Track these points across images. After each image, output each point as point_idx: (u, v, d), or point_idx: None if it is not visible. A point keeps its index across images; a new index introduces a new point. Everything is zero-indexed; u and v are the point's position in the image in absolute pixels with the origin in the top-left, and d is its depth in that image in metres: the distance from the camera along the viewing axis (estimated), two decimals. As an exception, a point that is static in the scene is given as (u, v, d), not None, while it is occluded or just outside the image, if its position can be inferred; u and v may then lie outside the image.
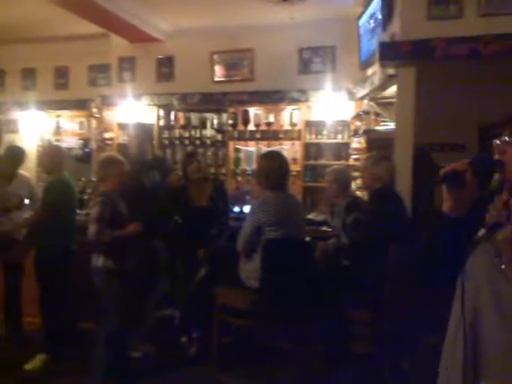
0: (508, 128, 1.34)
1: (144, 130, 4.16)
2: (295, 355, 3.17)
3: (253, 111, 6.33)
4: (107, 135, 6.77)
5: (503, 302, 1.25)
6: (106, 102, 6.67)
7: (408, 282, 2.88)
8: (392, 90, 4.26)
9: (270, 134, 6.23)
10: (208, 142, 6.49)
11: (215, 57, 6.42)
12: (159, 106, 6.60)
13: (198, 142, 6.50)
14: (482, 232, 1.30)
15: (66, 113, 7.25)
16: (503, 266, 1.25)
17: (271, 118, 6.24)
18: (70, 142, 7.15)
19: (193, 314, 3.66)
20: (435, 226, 1.44)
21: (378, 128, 5.01)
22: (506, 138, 1.32)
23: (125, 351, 3.19)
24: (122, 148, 6.19)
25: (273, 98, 6.09)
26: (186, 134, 6.55)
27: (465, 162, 1.32)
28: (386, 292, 3.04)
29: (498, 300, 1.25)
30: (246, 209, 4.10)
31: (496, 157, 1.32)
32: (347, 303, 3.13)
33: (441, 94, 4.14)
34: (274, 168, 3.17)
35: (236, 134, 6.34)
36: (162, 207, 3.70)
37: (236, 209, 4.98)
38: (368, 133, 5.10)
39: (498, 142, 1.34)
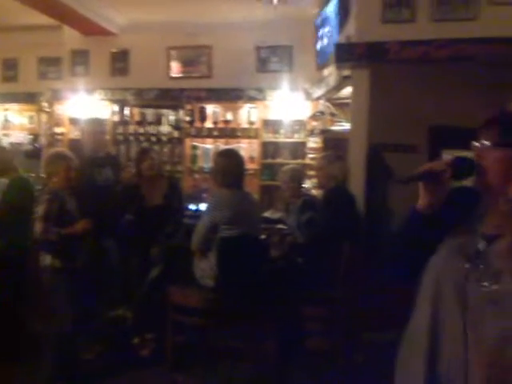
0: (486, 132, 1.34)
1: (97, 126, 4.05)
2: (250, 354, 3.17)
3: (210, 108, 6.29)
4: (58, 130, 6.56)
5: (468, 303, 1.25)
6: (56, 96, 6.46)
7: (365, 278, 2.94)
8: (347, 90, 4.33)
9: (228, 131, 6.21)
10: (164, 138, 6.40)
11: (172, 52, 6.34)
12: (113, 101, 6.45)
13: (153, 139, 6.41)
14: (482, 244, 1.28)
15: (14, 106, 6.98)
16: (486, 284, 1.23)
17: (229, 116, 6.23)
18: (19, 136, 6.89)
19: (146, 314, 3.60)
20: (408, 223, 1.45)
21: (333, 128, 5.09)
22: (485, 143, 1.32)
23: (74, 352, 3.10)
24: (73, 144, 6.02)
25: (230, 96, 6.08)
26: (141, 131, 6.44)
27: (444, 162, 1.33)
28: (338, 289, 3.09)
29: (462, 299, 1.26)
30: (203, 207, 4.06)
31: (476, 160, 1.32)
32: (302, 301, 3.16)
33: (394, 96, 4.23)
34: (230, 166, 3.16)
35: (193, 131, 6.28)
36: (114, 205, 3.62)
37: (192, 207, 4.93)
38: (324, 133, 5.17)
39: (477, 145, 1.34)
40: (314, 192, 4.55)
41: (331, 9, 4.58)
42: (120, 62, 6.47)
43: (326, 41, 4.85)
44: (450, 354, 1.28)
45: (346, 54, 3.88)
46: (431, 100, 4.16)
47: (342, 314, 3.09)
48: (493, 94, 4.12)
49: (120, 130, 6.49)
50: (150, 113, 6.44)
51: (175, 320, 3.22)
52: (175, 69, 6.37)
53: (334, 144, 4.85)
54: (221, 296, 2.99)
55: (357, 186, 3.83)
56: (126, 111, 6.49)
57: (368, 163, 3.89)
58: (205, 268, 3.12)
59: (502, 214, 1.28)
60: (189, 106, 6.27)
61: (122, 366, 3.42)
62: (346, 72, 4.12)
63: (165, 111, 6.39)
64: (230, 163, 3.17)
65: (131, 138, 6.46)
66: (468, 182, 1.37)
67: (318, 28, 5.14)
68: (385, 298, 2.72)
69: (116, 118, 6.51)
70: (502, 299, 1.18)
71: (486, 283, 1.22)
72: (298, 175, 3.98)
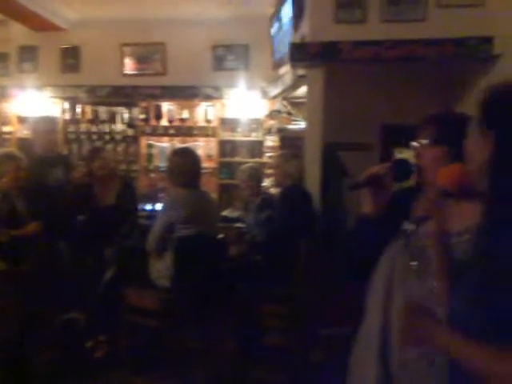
0: (424, 131, 1.39)
1: (48, 124, 3.91)
2: (208, 353, 3.15)
3: (166, 106, 6.20)
4: (5, 129, 6.30)
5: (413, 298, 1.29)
6: (3, 94, 6.20)
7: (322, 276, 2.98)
8: (303, 89, 4.37)
9: (184, 129, 6.14)
10: (118, 137, 6.26)
11: (125, 49, 6.21)
12: (64, 99, 6.26)
13: (107, 137, 6.25)
14: (411, 226, 1.34)
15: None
16: (414, 263, 1.30)
17: (185, 114, 6.16)
18: (-37, 135, 6.54)
19: (99, 317, 3.51)
20: (356, 228, 1.48)
21: (290, 127, 5.13)
22: (423, 142, 1.37)
23: (22, 358, 2.99)
24: (22, 143, 5.80)
25: (186, 94, 6.02)
26: (94, 129, 6.27)
27: (385, 166, 1.37)
28: (296, 286, 3.11)
29: (408, 299, 1.29)
30: (159, 207, 3.99)
31: (414, 160, 1.38)
32: (260, 298, 3.17)
33: (348, 95, 4.31)
34: (186, 165, 3.12)
35: (148, 130, 6.18)
36: (66, 205, 3.50)
37: (148, 207, 4.85)
38: (281, 131, 5.21)
39: (415, 144, 1.40)
40: (272, 190, 4.57)
41: (286, 8, 4.61)
42: (71, 58, 6.27)
43: (281, 40, 4.88)
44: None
45: (300, 53, 3.91)
46: (384, 99, 4.27)
47: (300, 310, 3.12)
48: (443, 94, 4.28)
49: (71, 128, 6.30)
50: (102, 111, 6.27)
51: (130, 321, 3.16)
52: (129, 66, 6.24)
53: (290, 142, 4.90)
54: (176, 296, 2.96)
55: (313, 184, 3.88)
56: (78, 109, 6.30)
57: (323, 162, 3.94)
58: (160, 269, 3.07)
59: (430, 199, 1.34)
60: (143, 104, 6.16)
61: (76, 370, 3.32)
62: (302, 71, 4.16)
63: (118, 109, 6.25)
64: (185, 162, 3.14)
65: (83, 136, 6.29)
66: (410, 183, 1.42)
67: (273, 27, 5.17)
68: (341, 294, 2.76)
69: (67, 116, 6.31)
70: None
71: (414, 262, 1.29)
72: (257, 174, 3.99)
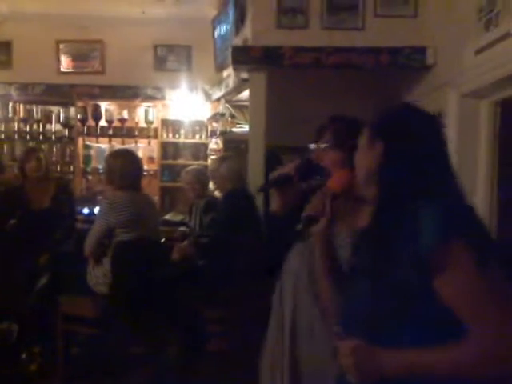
0: (323, 134, 1.50)
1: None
2: (150, 360, 3.09)
3: (104, 106, 6.01)
4: None
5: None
6: None
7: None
8: (246, 93, 4.39)
9: (124, 131, 5.98)
10: (53, 137, 6.00)
11: (61, 46, 5.97)
12: (-6, 96, 5.92)
13: (41, 138, 5.97)
14: (299, 226, 1.40)
15: None
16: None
17: (125, 115, 5.99)
18: None
19: (33, 327, 3.34)
20: (266, 226, 1.58)
21: (234, 130, 5.13)
22: (321, 145, 1.48)
23: None
24: None
25: (126, 94, 5.87)
26: (27, 129, 5.97)
27: (292, 165, 1.44)
28: (237, 290, 3.11)
29: (315, 299, 1.35)
30: (97, 210, 3.87)
31: (315, 160, 1.49)
32: (202, 303, 3.14)
33: (290, 100, 4.37)
34: (126, 167, 3.04)
35: (85, 130, 5.96)
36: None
37: (85, 210, 4.69)
38: (224, 134, 5.20)
39: (312, 147, 1.49)
40: (217, 194, 4.56)
41: (229, 11, 4.61)
42: (2, 53, 5.94)
43: (223, 43, 4.88)
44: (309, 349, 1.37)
45: (242, 56, 3.92)
46: (324, 104, 4.36)
47: (240, 314, 3.12)
48: (380, 100, 4.44)
49: (2, 127, 5.96)
50: (37, 109, 5.98)
51: (67, 331, 3.04)
52: (65, 63, 6.00)
53: (234, 146, 4.90)
54: (115, 303, 2.87)
55: (257, 186, 3.89)
56: (9, 107, 5.98)
57: (266, 165, 3.97)
58: (99, 275, 2.98)
59: (319, 200, 1.42)
60: (80, 103, 5.93)
61: (10, 383, 3.15)
62: (244, 75, 4.17)
63: (54, 108, 6.00)
64: (126, 164, 3.06)
65: (16, 136, 5.97)
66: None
67: (216, 29, 5.15)
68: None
69: (-2, 115, 5.98)
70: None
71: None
72: (202, 176, 3.96)
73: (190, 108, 5.93)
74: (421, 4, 3.82)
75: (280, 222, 1.49)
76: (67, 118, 5.98)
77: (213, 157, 5.56)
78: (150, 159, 5.96)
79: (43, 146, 5.77)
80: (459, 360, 0.98)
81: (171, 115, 6.08)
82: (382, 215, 1.09)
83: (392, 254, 1.04)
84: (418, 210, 1.03)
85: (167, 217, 4.79)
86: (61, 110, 5.98)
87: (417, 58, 3.77)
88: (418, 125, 1.15)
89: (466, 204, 1.11)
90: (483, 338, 0.96)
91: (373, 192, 1.13)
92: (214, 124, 5.65)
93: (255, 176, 3.93)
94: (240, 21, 4.32)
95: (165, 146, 6.08)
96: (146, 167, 5.11)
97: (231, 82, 4.71)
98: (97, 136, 6.01)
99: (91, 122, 5.96)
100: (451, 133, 3.10)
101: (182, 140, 6.07)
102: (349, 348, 1.02)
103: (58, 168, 5.84)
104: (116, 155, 3.19)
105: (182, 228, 4.29)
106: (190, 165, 4.78)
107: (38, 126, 5.97)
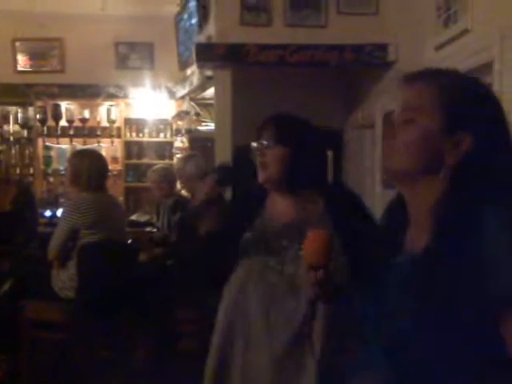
0: (265, 132, 1.53)
1: None
2: (120, 363, 3.04)
3: (64, 106, 5.85)
4: None
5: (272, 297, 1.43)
6: None
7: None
8: (211, 91, 4.36)
9: (86, 130, 5.83)
10: (11, 138, 5.78)
11: (18, 44, 5.77)
12: None
13: (-2, 139, 5.77)
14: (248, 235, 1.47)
15: None
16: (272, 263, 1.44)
17: (86, 114, 5.85)
18: None
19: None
20: (205, 247, 1.64)
21: (199, 128, 5.10)
22: (264, 142, 1.51)
23: None
24: None
25: (87, 93, 5.74)
26: (-17, 130, 5.75)
27: (209, 183, 1.52)
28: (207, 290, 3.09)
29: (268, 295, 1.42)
30: (60, 212, 3.77)
31: (258, 159, 1.53)
32: (172, 303, 3.11)
33: (256, 98, 4.37)
34: (94, 168, 2.98)
35: (45, 131, 5.79)
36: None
37: (48, 213, 4.56)
38: (189, 132, 5.16)
39: (255, 145, 1.54)
40: (185, 193, 4.51)
41: (191, 7, 4.57)
42: (-47, 51, 5.70)
43: (187, 40, 4.83)
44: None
45: (206, 54, 3.89)
46: (290, 102, 4.38)
47: (211, 313, 3.11)
48: (347, 98, 4.51)
49: (-44, 128, 5.74)
50: (-7, 110, 5.78)
51: (32, 337, 2.95)
52: (22, 62, 5.81)
53: (200, 144, 4.87)
54: (82, 307, 2.81)
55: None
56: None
57: (234, 164, 3.95)
58: (64, 279, 2.90)
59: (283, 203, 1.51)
60: (39, 103, 5.75)
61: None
62: (209, 72, 4.14)
63: (11, 108, 5.79)
64: (91, 165, 2.98)
65: (-29, 138, 5.76)
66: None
67: (178, 26, 5.09)
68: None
69: (-50, 116, 5.74)
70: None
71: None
72: (169, 175, 3.91)
73: (153, 106, 5.85)
74: (382, 2, 3.89)
75: (218, 239, 1.54)
76: (26, 118, 5.79)
77: (178, 155, 5.51)
78: (114, 159, 5.84)
79: (1, 148, 5.60)
80: None
81: (134, 114, 5.98)
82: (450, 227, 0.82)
83: (452, 283, 0.79)
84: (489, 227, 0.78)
85: (133, 217, 4.72)
86: (19, 110, 5.79)
87: (379, 55, 3.84)
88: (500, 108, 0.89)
89: None
90: None
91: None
92: (179, 122, 5.60)
93: (222, 174, 3.92)
94: (203, 18, 4.29)
95: (128, 146, 5.98)
96: (109, 167, 5.00)
97: (195, 80, 4.67)
98: (57, 136, 5.84)
99: (51, 122, 5.79)
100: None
101: (146, 139, 5.99)
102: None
103: (18, 170, 5.64)
104: (81, 156, 3.11)
105: (149, 229, 4.23)
106: (154, 164, 4.72)
107: (-5, 128, 5.77)
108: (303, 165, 1.46)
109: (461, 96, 0.87)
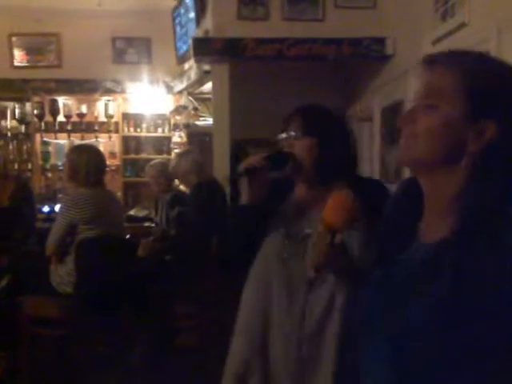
0: (292, 123, 1.50)
1: None
2: (119, 359, 3.05)
3: (62, 101, 5.83)
4: None
5: (292, 286, 1.41)
6: None
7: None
8: (209, 85, 4.35)
9: (84, 125, 5.82)
10: (9, 134, 5.78)
11: (14, 39, 5.74)
12: None
13: (-4, 135, 5.76)
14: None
15: None
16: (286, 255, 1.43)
17: (84, 109, 5.83)
18: None
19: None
20: (234, 217, 1.57)
21: (197, 123, 5.09)
22: (292, 133, 1.48)
23: None
24: None
25: (84, 88, 5.72)
26: (-19, 126, 5.74)
27: (262, 155, 1.45)
28: (208, 284, 3.10)
29: (288, 284, 1.38)
30: (58, 208, 3.77)
31: (286, 150, 1.49)
32: (170, 299, 3.11)
33: (254, 92, 4.36)
34: (92, 163, 2.97)
35: (43, 126, 5.77)
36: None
37: (46, 208, 4.56)
38: (187, 127, 5.15)
39: (283, 136, 1.51)
40: (183, 188, 4.51)
41: (188, 2, 4.54)
42: (-51, 46, 5.67)
43: (184, 35, 4.81)
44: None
45: (203, 48, 3.88)
46: (288, 96, 4.38)
47: (210, 309, 3.11)
48: (345, 91, 4.50)
49: (-47, 124, 5.72)
50: (-11, 105, 5.77)
51: (31, 333, 2.95)
52: (19, 57, 5.78)
53: (198, 139, 4.86)
54: (80, 303, 2.81)
55: (221, 180, 3.87)
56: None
57: (232, 158, 3.95)
58: (62, 274, 2.90)
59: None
60: (37, 99, 5.73)
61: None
62: (206, 67, 4.13)
63: (8, 104, 5.77)
64: (90, 160, 2.98)
65: (-32, 133, 5.74)
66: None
67: (176, 21, 5.07)
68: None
69: None
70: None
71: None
72: (167, 170, 3.90)
73: (151, 101, 5.83)
74: (379, -5, 3.88)
75: (250, 213, 1.47)
76: (23, 113, 5.77)
77: (176, 150, 5.50)
78: (112, 154, 5.83)
79: (-1, 144, 5.60)
80: None
81: (132, 109, 5.96)
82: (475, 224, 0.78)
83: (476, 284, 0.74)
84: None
85: (131, 212, 4.72)
86: (16, 106, 5.77)
87: (376, 49, 3.84)
88: None
89: None
90: None
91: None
92: (177, 117, 5.58)
93: (221, 169, 3.92)
94: (200, 12, 4.27)
95: (126, 141, 5.96)
96: (107, 162, 4.99)
97: (193, 75, 4.66)
98: (55, 132, 5.82)
99: (48, 118, 5.77)
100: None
101: (144, 134, 5.97)
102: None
103: (16, 166, 5.64)
104: (80, 151, 3.10)
105: (147, 224, 4.23)
106: (152, 159, 4.71)
107: (-8, 123, 5.75)
108: (331, 155, 1.45)
109: (485, 81, 0.81)
